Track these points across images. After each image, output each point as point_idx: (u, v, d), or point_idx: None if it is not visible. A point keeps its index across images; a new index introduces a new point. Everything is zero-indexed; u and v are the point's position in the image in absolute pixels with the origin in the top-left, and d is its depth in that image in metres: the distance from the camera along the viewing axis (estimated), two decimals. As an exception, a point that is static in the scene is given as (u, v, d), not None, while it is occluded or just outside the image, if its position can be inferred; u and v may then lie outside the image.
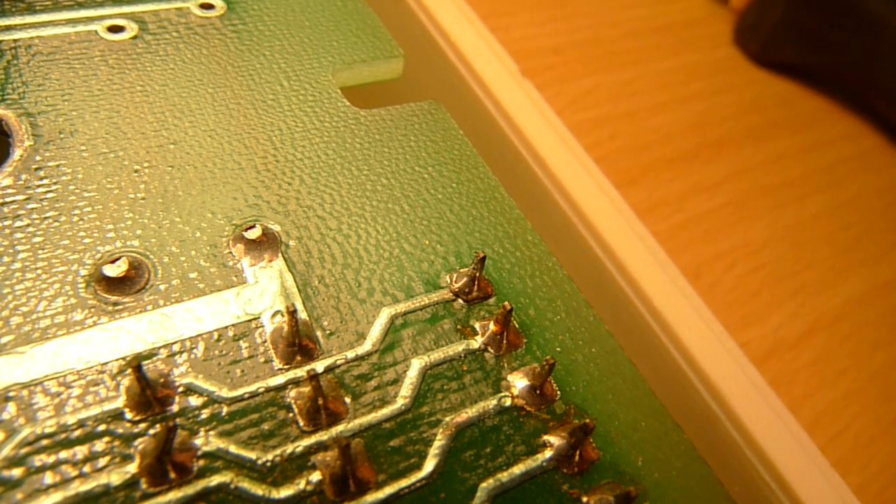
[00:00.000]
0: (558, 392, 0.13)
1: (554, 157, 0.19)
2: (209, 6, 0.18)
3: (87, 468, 0.10)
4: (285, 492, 0.11)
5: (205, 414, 0.11)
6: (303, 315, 0.13)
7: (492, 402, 0.13)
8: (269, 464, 0.11)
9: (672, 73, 0.32)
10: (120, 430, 0.11)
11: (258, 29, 0.18)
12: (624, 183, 0.25)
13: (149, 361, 0.12)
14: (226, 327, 0.12)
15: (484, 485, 0.12)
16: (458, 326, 0.13)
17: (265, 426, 0.11)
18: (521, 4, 0.33)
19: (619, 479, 0.12)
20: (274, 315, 0.13)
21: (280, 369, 0.12)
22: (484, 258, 0.14)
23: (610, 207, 0.19)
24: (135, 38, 0.17)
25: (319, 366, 0.12)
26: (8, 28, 0.16)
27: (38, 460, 0.10)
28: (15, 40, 0.16)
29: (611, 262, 0.18)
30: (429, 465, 0.12)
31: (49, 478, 0.10)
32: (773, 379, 0.23)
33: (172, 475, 0.11)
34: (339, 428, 0.12)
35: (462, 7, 0.22)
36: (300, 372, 0.12)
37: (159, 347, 0.12)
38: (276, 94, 0.17)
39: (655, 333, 0.17)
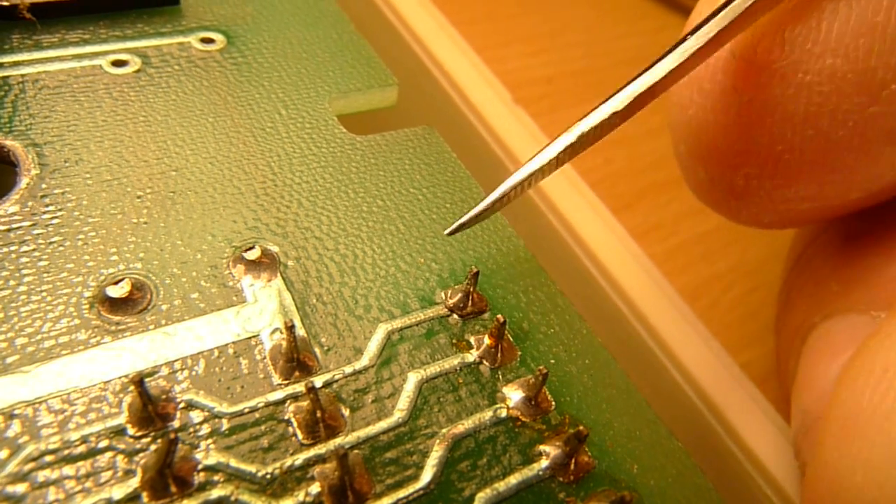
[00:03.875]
0: (553, 403, 0.13)
1: (549, 181, 0.20)
2: (209, 41, 0.19)
3: (89, 483, 0.11)
4: (284, 504, 0.11)
5: (205, 428, 0.12)
6: (301, 332, 0.13)
7: (487, 414, 0.13)
8: (268, 476, 0.11)
9: (665, 99, 0.32)
10: (122, 446, 0.11)
11: (257, 61, 0.19)
12: (620, 207, 0.26)
13: (151, 378, 0.12)
14: (226, 345, 0.13)
15: (481, 494, 0.12)
16: (454, 341, 0.14)
17: (265, 440, 0.12)
18: (514, 36, 0.33)
19: (614, 487, 0.12)
20: (273, 332, 0.13)
21: (279, 385, 0.12)
22: (477, 273, 0.14)
23: (606, 231, 0.19)
24: (138, 71, 0.17)
25: (318, 381, 0.13)
26: (16, 64, 0.16)
27: (42, 476, 0.11)
28: (22, 75, 0.16)
29: (609, 285, 0.18)
30: (426, 476, 0.12)
31: (52, 493, 0.10)
32: (774, 398, 0.23)
33: (173, 489, 0.11)
34: (338, 441, 0.12)
35: (455, 38, 0.23)
36: (299, 387, 0.12)
37: (161, 365, 0.12)
38: (275, 123, 0.17)
39: (655, 355, 0.17)
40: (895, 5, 0.11)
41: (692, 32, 0.12)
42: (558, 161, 0.13)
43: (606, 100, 0.13)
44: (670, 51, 0.12)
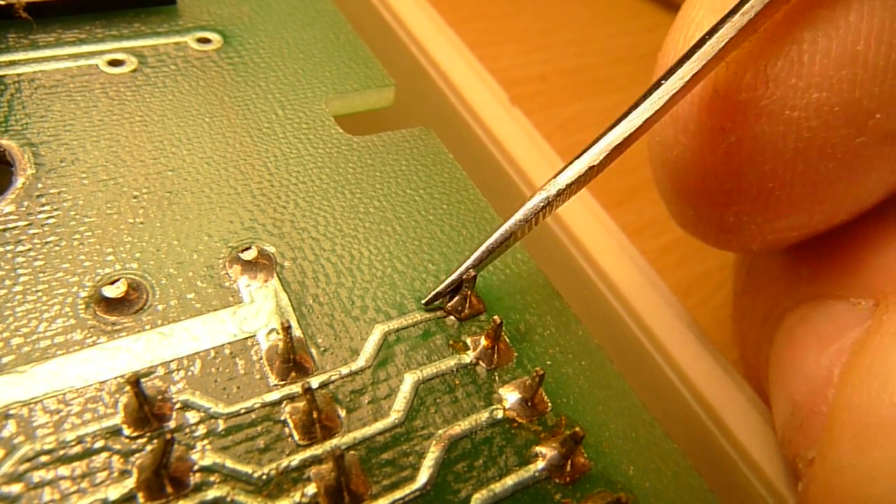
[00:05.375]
0: (549, 404, 0.13)
1: (544, 180, 0.20)
2: (206, 40, 0.19)
3: (85, 484, 0.11)
4: (281, 504, 0.11)
5: (201, 429, 0.12)
6: (297, 333, 0.13)
7: (484, 415, 0.13)
8: (264, 477, 0.11)
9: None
10: (118, 446, 0.11)
11: (253, 61, 0.19)
12: (613, 204, 0.26)
13: (147, 379, 0.12)
14: (222, 345, 0.13)
15: (477, 496, 0.12)
16: (450, 342, 0.14)
17: (261, 441, 0.12)
18: (507, 34, 0.33)
19: (610, 489, 0.12)
20: (269, 333, 0.13)
21: (275, 385, 0.12)
22: (475, 277, 0.14)
23: (600, 228, 0.19)
24: (134, 71, 0.17)
25: (314, 381, 0.13)
26: (12, 63, 0.16)
27: (38, 476, 0.11)
28: (18, 74, 0.16)
29: (602, 282, 0.18)
30: (422, 477, 0.12)
31: (48, 494, 0.10)
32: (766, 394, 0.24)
33: (169, 489, 0.11)
34: (334, 441, 0.12)
35: (451, 37, 0.23)
36: (295, 388, 0.12)
37: (157, 365, 0.12)
38: (272, 123, 0.17)
39: (648, 351, 0.18)
40: (873, 33, 0.11)
41: (665, 77, 0.12)
42: (537, 220, 0.13)
43: (583, 152, 0.13)
44: (644, 97, 0.12)
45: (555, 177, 0.13)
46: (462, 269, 0.14)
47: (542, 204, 0.13)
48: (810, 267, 0.15)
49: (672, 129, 0.14)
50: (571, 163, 0.13)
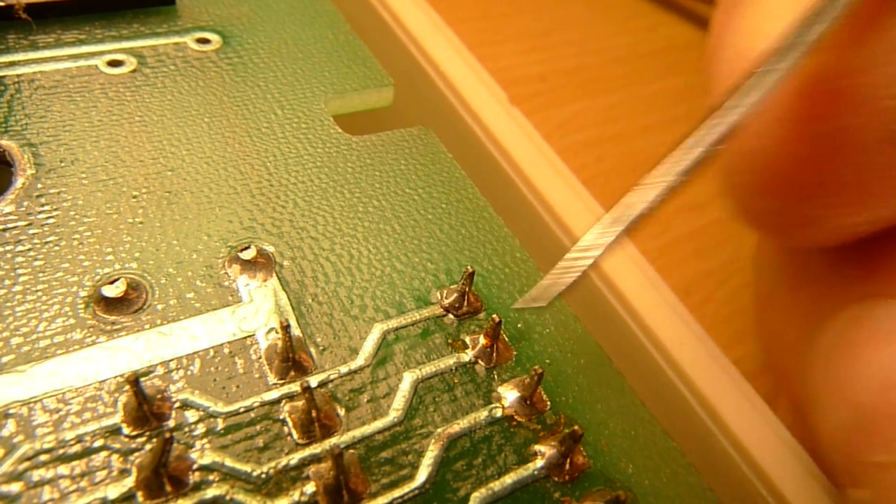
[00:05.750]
0: (548, 402, 0.13)
1: (543, 179, 0.20)
2: (205, 41, 0.19)
3: (84, 483, 0.11)
4: (280, 503, 0.11)
5: (201, 428, 0.12)
6: (296, 332, 0.13)
7: (483, 414, 0.13)
8: (263, 476, 0.11)
9: (657, 97, 0.33)
10: (117, 445, 0.11)
11: (252, 61, 0.19)
12: (613, 204, 0.26)
13: (146, 378, 0.12)
14: (221, 344, 0.13)
15: (476, 494, 0.12)
16: (449, 340, 0.14)
17: (260, 439, 0.12)
18: (507, 34, 0.33)
19: (609, 487, 0.12)
20: (268, 332, 0.13)
21: (274, 384, 0.12)
22: (472, 273, 0.14)
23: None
24: (134, 71, 0.17)
25: (313, 380, 0.13)
26: (12, 64, 0.16)
27: (37, 475, 0.11)
28: (18, 75, 0.16)
29: (601, 281, 0.18)
30: (421, 476, 0.12)
31: (47, 493, 0.10)
32: (766, 394, 0.24)
33: (168, 488, 0.11)
34: (333, 440, 0.12)
35: (450, 37, 0.23)
36: (294, 387, 0.12)
37: (156, 365, 0.12)
38: (271, 123, 0.17)
39: (647, 350, 0.17)
40: None
41: (775, 62, 0.11)
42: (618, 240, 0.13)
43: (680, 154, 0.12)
44: (738, 97, 0.12)
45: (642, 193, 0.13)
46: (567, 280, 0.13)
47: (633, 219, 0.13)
48: (862, 266, 0.14)
49: (760, 118, 0.13)
50: (674, 162, 0.12)
